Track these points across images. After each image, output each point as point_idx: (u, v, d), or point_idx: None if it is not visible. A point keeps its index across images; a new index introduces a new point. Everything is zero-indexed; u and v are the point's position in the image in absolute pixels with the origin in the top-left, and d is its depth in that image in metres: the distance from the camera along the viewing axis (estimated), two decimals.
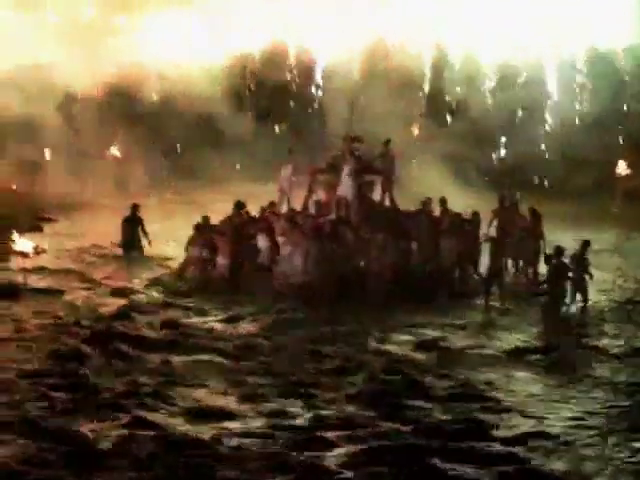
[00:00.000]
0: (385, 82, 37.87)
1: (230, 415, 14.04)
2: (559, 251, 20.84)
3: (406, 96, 38.24)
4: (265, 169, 31.15)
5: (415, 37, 38.09)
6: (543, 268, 22.08)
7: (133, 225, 25.57)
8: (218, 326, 19.34)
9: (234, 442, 12.83)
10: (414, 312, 20.62)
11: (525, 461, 12.73)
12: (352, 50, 39.51)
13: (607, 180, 37.20)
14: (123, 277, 23.58)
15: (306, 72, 41.24)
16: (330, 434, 13.36)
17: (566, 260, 21.06)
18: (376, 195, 24.50)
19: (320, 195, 24.13)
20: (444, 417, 14.29)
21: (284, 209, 24.52)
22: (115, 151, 38.27)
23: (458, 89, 40.52)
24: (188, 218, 24.56)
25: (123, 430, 13.12)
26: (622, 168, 38.05)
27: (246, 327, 19.36)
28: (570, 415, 14.61)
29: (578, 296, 21.37)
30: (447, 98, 40.81)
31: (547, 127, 40.11)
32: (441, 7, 37.17)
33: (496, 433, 13.68)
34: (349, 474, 12.15)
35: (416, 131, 40.43)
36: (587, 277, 21.28)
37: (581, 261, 21.30)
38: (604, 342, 19.00)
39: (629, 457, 13.01)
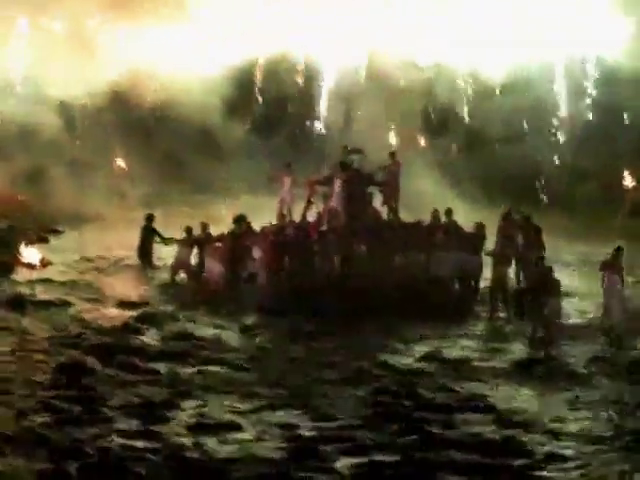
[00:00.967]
0: (385, 93, 37.96)
1: (236, 426, 14.10)
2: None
3: (406, 107, 38.33)
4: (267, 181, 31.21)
5: (415, 46, 37.99)
6: None
7: (148, 235, 25.70)
8: (224, 337, 19.44)
9: None
10: (415, 324, 20.66)
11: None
12: (353, 60, 39.52)
13: (613, 192, 37.16)
14: (129, 288, 23.64)
15: (307, 82, 41.21)
16: (334, 446, 13.43)
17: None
18: (377, 206, 24.57)
19: (320, 206, 24.32)
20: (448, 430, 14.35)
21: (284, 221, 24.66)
22: (121, 162, 38.34)
23: (459, 98, 40.48)
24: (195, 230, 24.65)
25: (128, 441, 13.18)
26: (629, 180, 38.00)
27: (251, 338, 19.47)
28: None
29: None
30: (452, 109, 40.73)
31: (552, 138, 40.07)
32: (441, 16, 37.11)
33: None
34: None
35: (422, 142, 40.53)
36: None
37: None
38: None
39: None
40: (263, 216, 24.60)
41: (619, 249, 21.36)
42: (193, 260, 24.12)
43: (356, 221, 23.66)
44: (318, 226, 23.59)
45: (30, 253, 25.43)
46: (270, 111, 41.60)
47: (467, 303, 22.66)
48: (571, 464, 13.16)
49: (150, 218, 25.93)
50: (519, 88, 39.28)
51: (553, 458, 13.38)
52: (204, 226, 24.21)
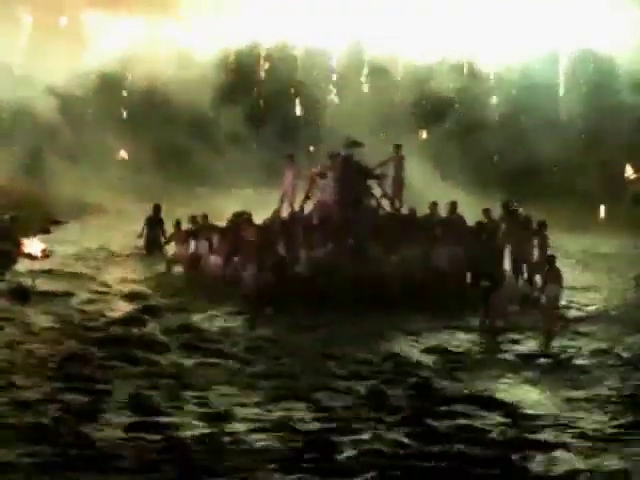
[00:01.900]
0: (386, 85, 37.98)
1: (239, 418, 14.05)
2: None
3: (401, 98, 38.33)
4: (270, 173, 31.18)
5: (415, 41, 37.93)
6: None
7: (154, 225, 25.67)
8: (227, 328, 19.39)
9: None
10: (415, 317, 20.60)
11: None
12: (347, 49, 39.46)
13: (615, 184, 37.13)
14: (131, 279, 23.62)
15: (304, 71, 41.07)
16: (339, 438, 13.38)
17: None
18: (374, 200, 24.47)
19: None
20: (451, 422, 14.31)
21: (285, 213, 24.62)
22: (123, 154, 38.32)
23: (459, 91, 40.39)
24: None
25: (133, 433, 13.14)
26: (630, 172, 37.98)
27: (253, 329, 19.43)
28: None
29: None
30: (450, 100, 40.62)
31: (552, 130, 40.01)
32: (441, 12, 37.04)
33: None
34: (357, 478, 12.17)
35: (424, 135, 40.48)
36: None
37: None
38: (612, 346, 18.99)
39: None
40: (267, 209, 24.51)
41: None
42: (191, 251, 24.06)
43: (348, 214, 23.55)
44: (310, 219, 23.53)
45: (32, 244, 25.41)
46: (265, 100, 41.47)
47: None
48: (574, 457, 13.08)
49: (157, 208, 25.87)
50: (518, 80, 39.29)
51: (554, 451, 13.30)
52: (204, 218, 24.18)
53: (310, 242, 22.44)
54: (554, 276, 19.92)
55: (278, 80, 41.20)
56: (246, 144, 37.74)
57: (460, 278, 22.85)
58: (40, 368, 15.87)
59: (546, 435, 13.78)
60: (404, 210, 24.64)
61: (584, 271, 25.96)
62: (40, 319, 19.27)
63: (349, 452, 12.84)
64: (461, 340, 19.27)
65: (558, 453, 13.06)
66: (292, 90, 41.34)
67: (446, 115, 40.21)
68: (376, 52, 38.87)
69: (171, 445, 12.67)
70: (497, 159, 39.52)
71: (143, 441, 12.83)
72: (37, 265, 24.13)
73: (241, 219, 23.54)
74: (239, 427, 13.57)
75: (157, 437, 12.97)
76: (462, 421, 14.26)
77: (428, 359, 17.75)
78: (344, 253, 22.48)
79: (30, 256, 24.88)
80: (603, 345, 19.03)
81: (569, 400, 15.48)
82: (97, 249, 27.10)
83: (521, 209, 24.57)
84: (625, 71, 37.88)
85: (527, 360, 17.93)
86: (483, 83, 40.07)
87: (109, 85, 37.86)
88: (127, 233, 27.41)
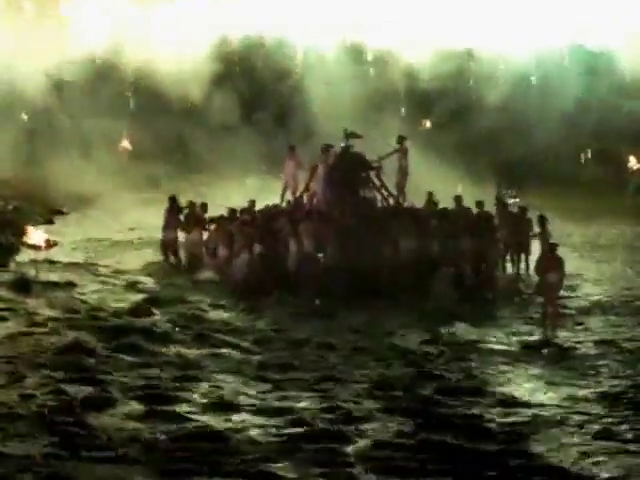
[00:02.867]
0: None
1: (245, 408, 14.04)
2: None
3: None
4: (273, 162, 31.12)
5: (421, 35, 37.73)
6: None
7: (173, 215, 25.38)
8: (233, 319, 19.37)
9: None
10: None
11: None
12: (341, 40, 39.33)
13: (619, 174, 37.07)
14: (135, 269, 23.61)
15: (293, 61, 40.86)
16: (345, 428, 13.40)
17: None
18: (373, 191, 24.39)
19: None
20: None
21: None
22: (126, 144, 38.29)
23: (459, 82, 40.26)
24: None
25: (139, 423, 13.15)
26: (634, 162, 37.90)
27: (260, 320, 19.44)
28: None
29: None
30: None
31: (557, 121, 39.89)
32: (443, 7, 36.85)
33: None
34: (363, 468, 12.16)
35: (428, 124, 40.40)
36: None
37: None
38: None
39: None
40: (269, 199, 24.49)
41: None
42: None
43: (340, 206, 23.54)
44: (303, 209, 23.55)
45: (35, 234, 25.37)
46: (260, 88, 41.31)
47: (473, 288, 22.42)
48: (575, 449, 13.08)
49: (173, 199, 25.44)
50: (522, 70, 39.13)
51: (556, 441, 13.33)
52: (203, 207, 24.05)
53: (298, 233, 22.42)
54: (556, 264, 19.87)
55: (272, 68, 40.97)
56: (243, 132, 37.60)
57: (458, 270, 22.81)
58: (44, 359, 15.86)
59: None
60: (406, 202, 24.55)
61: (587, 261, 25.89)
62: (43, 309, 19.25)
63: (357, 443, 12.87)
64: (461, 331, 19.22)
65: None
66: (287, 78, 41.05)
67: (442, 104, 40.11)
68: (371, 41, 38.70)
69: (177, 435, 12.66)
70: (497, 149, 39.34)
71: (150, 430, 12.86)
72: (41, 255, 24.10)
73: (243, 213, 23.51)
74: (244, 417, 13.59)
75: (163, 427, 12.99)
76: (464, 411, 14.28)
77: (429, 349, 17.73)
78: (331, 245, 22.42)
79: (33, 246, 24.85)
80: (606, 335, 19.00)
81: (571, 390, 15.47)
82: (100, 239, 27.06)
83: (513, 200, 24.55)
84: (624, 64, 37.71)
85: (530, 350, 17.89)
86: (483, 70, 39.91)
87: (102, 72, 37.80)
88: (130, 222, 27.39)
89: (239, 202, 24.17)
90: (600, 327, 19.78)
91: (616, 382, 15.99)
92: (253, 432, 13.08)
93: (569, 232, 26.84)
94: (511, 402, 14.85)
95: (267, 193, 25.09)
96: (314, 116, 34.64)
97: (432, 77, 38.45)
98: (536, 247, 22.72)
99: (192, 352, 16.81)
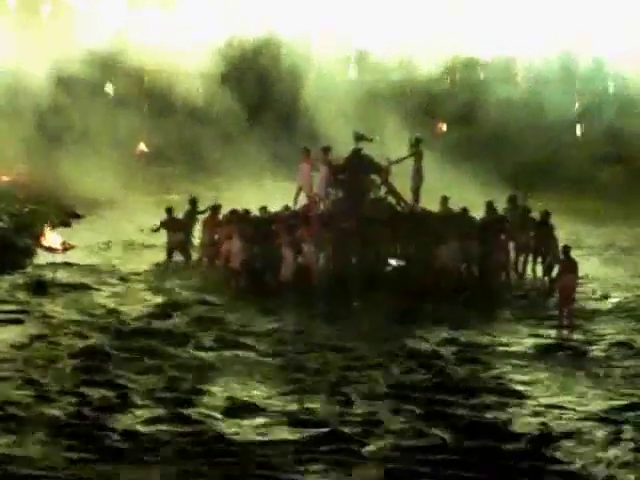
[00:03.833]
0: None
1: (260, 410, 14.08)
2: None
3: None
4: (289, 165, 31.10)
5: (432, 40, 37.63)
6: None
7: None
8: (249, 321, 19.42)
9: None
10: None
11: None
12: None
13: (635, 177, 36.96)
14: (152, 272, 23.68)
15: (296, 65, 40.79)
16: (357, 429, 13.43)
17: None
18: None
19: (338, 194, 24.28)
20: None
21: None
22: (143, 147, 38.38)
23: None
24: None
25: (156, 426, 13.20)
26: None
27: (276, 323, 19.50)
28: None
29: None
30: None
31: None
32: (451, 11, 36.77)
33: None
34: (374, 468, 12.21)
35: (444, 127, 40.39)
36: None
37: None
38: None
39: None
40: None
41: None
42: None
43: (346, 208, 23.54)
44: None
45: (51, 237, 25.49)
46: (266, 91, 41.29)
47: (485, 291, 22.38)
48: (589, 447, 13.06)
49: (194, 201, 25.52)
50: (540, 75, 39.07)
51: (572, 440, 13.34)
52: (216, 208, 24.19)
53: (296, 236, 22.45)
54: (570, 266, 19.85)
55: (278, 70, 40.89)
56: (255, 135, 37.62)
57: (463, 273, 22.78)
58: (61, 361, 15.92)
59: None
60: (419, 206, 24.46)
61: (603, 263, 25.82)
62: (60, 312, 19.32)
63: (372, 445, 12.89)
64: (474, 333, 19.20)
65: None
66: (292, 81, 40.94)
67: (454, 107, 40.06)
68: (376, 46, 38.65)
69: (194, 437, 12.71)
70: (514, 152, 39.26)
71: (167, 433, 12.90)
72: (57, 258, 24.20)
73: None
74: (262, 420, 13.63)
75: (181, 429, 13.05)
76: (483, 413, 14.28)
77: (444, 351, 17.74)
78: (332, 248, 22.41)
79: (50, 249, 24.96)
80: (621, 337, 18.97)
81: (586, 393, 15.46)
82: (117, 242, 27.14)
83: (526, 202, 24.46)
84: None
85: (545, 351, 17.88)
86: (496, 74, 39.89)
87: (110, 71, 37.96)
88: (145, 225, 27.40)
89: (254, 205, 24.17)
90: (615, 329, 19.73)
91: (629, 384, 15.95)
92: (271, 435, 13.10)
93: (584, 234, 26.72)
94: (526, 404, 14.84)
95: (282, 195, 25.02)
96: (323, 119, 34.64)
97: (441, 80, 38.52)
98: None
99: (210, 355, 16.83)
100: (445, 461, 12.45)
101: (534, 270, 23.45)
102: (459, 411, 14.35)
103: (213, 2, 37.49)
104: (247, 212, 23.35)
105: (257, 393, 14.82)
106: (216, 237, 23.57)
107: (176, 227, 24.33)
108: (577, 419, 14.20)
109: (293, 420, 13.70)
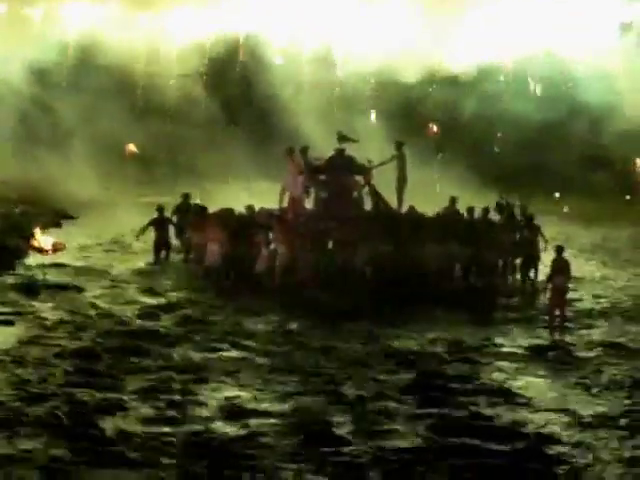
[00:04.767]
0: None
1: (254, 412, 14.07)
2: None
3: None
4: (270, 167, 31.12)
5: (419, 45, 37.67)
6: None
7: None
8: (243, 322, 19.39)
9: None
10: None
11: None
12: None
13: (626, 178, 37.13)
14: (142, 273, 23.68)
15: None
16: (349, 428, 13.45)
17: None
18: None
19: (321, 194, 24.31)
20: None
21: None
22: (132, 147, 38.35)
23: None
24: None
25: (146, 427, 13.19)
26: None
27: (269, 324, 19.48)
28: None
29: None
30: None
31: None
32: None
33: None
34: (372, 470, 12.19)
35: (435, 128, 40.45)
36: None
37: None
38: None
39: None
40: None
41: None
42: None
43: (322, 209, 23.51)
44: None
45: (43, 238, 25.46)
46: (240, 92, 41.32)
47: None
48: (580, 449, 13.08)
49: (186, 196, 25.63)
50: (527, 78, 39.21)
51: (561, 442, 13.33)
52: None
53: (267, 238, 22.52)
54: (562, 267, 19.88)
55: (255, 71, 40.89)
56: (233, 136, 37.63)
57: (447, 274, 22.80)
58: (52, 362, 15.88)
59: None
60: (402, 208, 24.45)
61: (596, 264, 25.91)
62: (51, 313, 19.28)
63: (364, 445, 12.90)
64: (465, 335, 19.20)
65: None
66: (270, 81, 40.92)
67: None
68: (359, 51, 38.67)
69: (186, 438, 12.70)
70: (504, 154, 39.43)
71: (159, 435, 12.89)
72: (48, 259, 24.17)
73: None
74: (255, 420, 13.62)
75: (173, 430, 13.05)
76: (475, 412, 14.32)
77: (436, 352, 17.74)
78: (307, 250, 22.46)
79: (41, 250, 24.94)
80: (613, 338, 19.00)
81: (577, 391, 15.49)
82: (107, 243, 27.12)
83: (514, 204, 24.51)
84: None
85: (536, 352, 17.90)
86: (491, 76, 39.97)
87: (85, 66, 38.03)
88: (136, 227, 27.37)
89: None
90: (605, 330, 19.76)
91: (620, 386, 15.95)
92: (263, 435, 13.08)
93: (577, 235, 26.80)
94: (518, 404, 14.84)
95: (272, 196, 25.05)
96: (303, 120, 34.71)
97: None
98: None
99: (201, 355, 16.81)
100: (434, 462, 12.44)
101: (525, 271, 23.51)
102: (449, 412, 14.34)
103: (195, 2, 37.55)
104: (231, 211, 23.40)
105: (247, 394, 14.79)
106: (202, 237, 23.61)
107: (164, 226, 24.50)
108: (567, 421, 14.18)
109: (282, 421, 13.67)
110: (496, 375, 16.38)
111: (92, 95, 37.05)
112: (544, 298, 20.98)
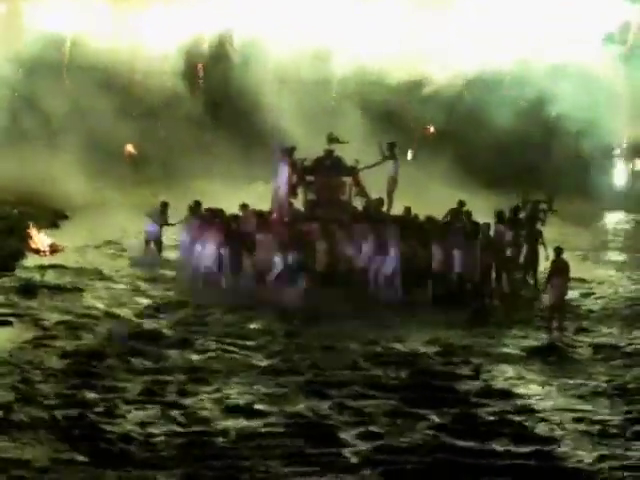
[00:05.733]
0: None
1: (251, 412, 14.05)
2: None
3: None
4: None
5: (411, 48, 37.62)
6: None
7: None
8: (238, 322, 19.38)
9: None
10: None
11: None
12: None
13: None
14: (139, 275, 23.66)
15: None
16: (348, 429, 13.43)
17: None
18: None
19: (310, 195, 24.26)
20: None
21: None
22: (131, 148, 38.36)
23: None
24: None
25: (146, 428, 13.17)
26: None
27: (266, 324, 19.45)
28: None
29: None
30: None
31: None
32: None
33: None
34: (368, 470, 12.17)
35: (431, 129, 40.46)
36: None
37: None
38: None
39: None
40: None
41: None
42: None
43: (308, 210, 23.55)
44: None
45: (40, 239, 25.46)
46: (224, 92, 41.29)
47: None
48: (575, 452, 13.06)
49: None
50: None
51: (557, 441, 13.34)
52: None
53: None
54: (561, 268, 19.87)
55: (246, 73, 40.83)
56: (218, 137, 37.64)
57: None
58: (51, 364, 15.85)
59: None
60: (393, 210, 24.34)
61: (594, 265, 25.94)
62: (48, 314, 19.26)
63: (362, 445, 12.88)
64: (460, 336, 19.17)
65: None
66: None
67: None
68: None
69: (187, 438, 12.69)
70: (500, 156, 39.39)
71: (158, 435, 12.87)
72: (46, 260, 24.15)
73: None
74: (254, 421, 13.60)
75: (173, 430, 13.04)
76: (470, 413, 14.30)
77: (432, 354, 17.71)
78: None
79: (38, 251, 24.93)
80: (609, 339, 19.00)
81: (574, 393, 15.49)
82: (105, 243, 27.11)
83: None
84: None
85: (535, 354, 17.88)
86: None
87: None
88: (134, 227, 27.41)
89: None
90: (604, 331, 19.76)
91: (616, 386, 15.98)
92: (263, 436, 13.06)
93: (574, 237, 26.80)
94: (517, 405, 14.84)
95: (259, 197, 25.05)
96: (290, 121, 34.67)
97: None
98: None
99: (200, 356, 16.79)
100: (434, 462, 12.43)
101: (524, 272, 23.53)
102: (446, 410, 14.33)
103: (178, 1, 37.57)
104: (221, 211, 23.36)
105: (247, 394, 14.77)
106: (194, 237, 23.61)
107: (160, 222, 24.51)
108: (563, 420, 14.17)
109: (283, 420, 13.67)
110: (495, 376, 16.36)
111: (80, 94, 37.01)
112: (544, 299, 20.98)
